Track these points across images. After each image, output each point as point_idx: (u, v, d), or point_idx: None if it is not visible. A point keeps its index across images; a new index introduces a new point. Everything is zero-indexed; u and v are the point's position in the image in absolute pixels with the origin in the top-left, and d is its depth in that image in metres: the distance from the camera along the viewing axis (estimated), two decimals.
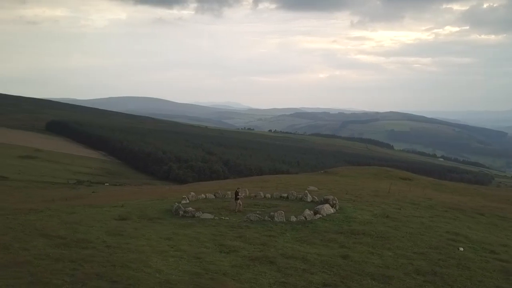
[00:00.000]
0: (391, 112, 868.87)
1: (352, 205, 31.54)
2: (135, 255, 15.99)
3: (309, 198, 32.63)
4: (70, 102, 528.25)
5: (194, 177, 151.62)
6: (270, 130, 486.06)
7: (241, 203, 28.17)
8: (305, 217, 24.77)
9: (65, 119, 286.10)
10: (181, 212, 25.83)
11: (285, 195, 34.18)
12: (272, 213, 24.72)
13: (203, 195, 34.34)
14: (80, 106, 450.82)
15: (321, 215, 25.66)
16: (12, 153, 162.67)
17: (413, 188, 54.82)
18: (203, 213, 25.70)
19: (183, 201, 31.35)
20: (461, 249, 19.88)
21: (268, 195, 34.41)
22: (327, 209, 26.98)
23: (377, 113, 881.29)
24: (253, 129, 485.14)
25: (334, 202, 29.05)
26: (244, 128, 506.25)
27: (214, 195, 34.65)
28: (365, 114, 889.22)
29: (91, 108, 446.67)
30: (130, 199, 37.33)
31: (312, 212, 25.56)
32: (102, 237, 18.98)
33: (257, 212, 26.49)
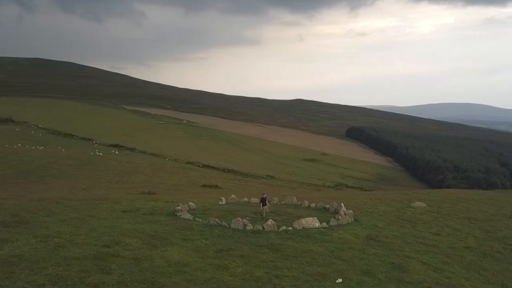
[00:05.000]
0: None
1: (384, 225, 28.44)
2: (21, 237, 18.64)
3: (341, 212, 32.49)
4: (388, 110, 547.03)
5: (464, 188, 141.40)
6: None
7: (267, 209, 28.43)
8: (263, 227, 23.68)
9: (368, 125, 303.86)
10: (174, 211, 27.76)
11: (327, 206, 34.25)
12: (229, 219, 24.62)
13: (245, 199, 34.91)
14: (391, 113, 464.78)
15: (291, 228, 24.25)
16: (300, 156, 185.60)
17: None
18: (187, 213, 26.98)
19: (220, 202, 32.93)
20: (339, 280, 16.71)
21: (313, 205, 34.99)
22: (307, 222, 25.04)
23: None
24: None
25: (338, 217, 28.34)
26: None
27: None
28: None
29: (402, 115, 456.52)
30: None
31: (274, 223, 24.22)
32: (49, 225, 21.51)
33: (247, 218, 26.25)
